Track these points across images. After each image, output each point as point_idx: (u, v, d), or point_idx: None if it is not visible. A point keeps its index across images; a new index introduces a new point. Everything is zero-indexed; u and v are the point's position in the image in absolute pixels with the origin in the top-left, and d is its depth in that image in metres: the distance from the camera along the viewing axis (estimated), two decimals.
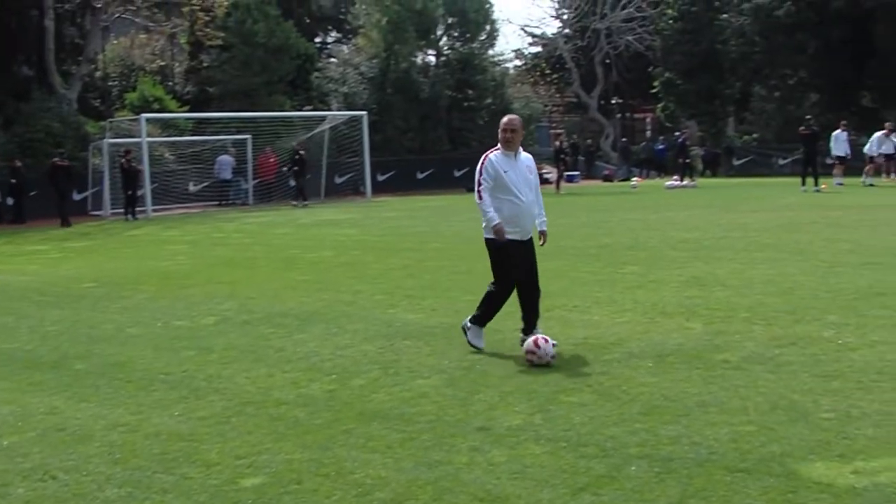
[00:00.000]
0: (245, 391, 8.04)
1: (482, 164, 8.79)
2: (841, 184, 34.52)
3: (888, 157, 36.79)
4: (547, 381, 7.76)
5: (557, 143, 45.61)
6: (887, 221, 19.74)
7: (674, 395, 7.22)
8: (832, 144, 35.90)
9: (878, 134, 36.68)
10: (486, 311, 9.05)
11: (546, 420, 6.77)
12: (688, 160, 43.97)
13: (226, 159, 38.94)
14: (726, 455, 5.81)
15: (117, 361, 9.45)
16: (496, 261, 8.87)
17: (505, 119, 8.91)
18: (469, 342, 9.06)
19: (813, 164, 33.22)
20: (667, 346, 8.80)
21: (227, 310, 12.29)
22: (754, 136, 57.97)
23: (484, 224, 8.83)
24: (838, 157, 35.73)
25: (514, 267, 8.79)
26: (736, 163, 52.97)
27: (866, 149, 36.95)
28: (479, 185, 8.75)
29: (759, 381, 7.43)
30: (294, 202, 37.02)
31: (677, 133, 56.17)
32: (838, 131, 36.08)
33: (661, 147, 54.72)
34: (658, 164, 54.33)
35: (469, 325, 9.13)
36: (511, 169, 8.70)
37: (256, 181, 40.28)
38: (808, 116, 36.78)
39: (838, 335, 8.92)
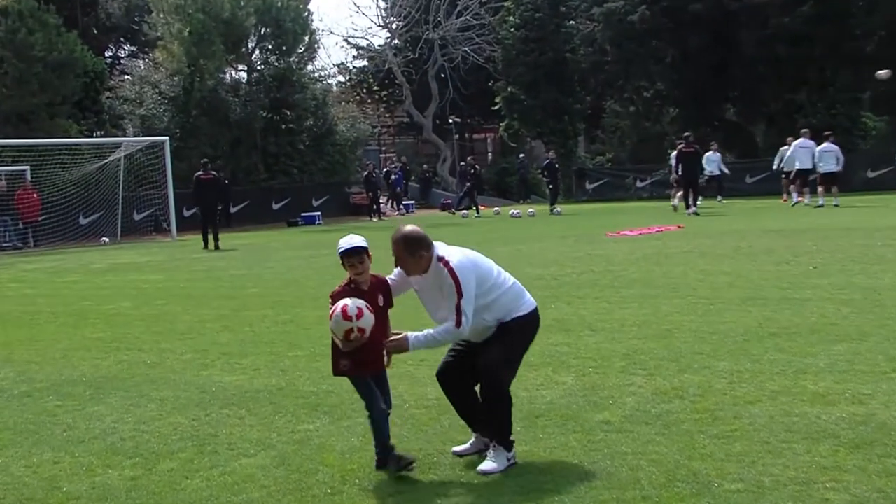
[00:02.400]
0: (24, 484, 7.35)
1: None
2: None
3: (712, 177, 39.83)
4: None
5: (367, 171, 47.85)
6: (766, 249, 20.01)
7: (551, 466, 6.86)
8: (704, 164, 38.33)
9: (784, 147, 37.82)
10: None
11: (401, 503, 6.33)
12: (552, 185, 44.30)
13: None
14: None
15: None
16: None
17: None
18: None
19: (694, 184, 34.85)
20: (536, 405, 8.47)
21: (0, 379, 11.53)
22: (608, 156, 59.05)
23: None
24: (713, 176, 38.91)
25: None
26: (589, 187, 53.62)
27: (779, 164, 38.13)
28: None
29: (649, 446, 7.13)
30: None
31: (522, 154, 56.88)
32: (710, 152, 39.38)
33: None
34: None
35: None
36: (419, 285, 7.36)
37: (26, 221, 39.06)
38: (687, 133, 37.93)
39: (732, 386, 8.71)
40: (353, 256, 7.03)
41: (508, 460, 6.95)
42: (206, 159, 35.99)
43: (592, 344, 11.14)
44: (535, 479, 6.61)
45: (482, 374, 7.06)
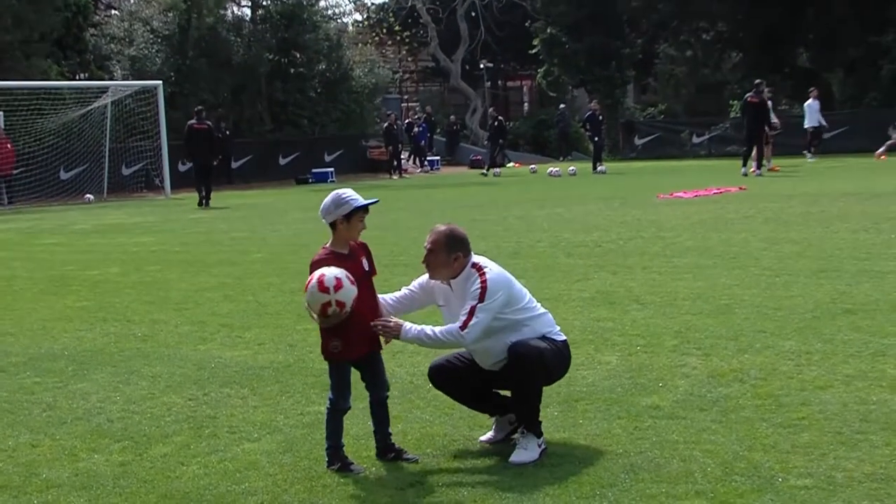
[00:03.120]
0: None
1: None
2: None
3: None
4: (415, 443, 7.41)
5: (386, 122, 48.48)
6: (841, 215, 19.96)
7: (592, 456, 6.90)
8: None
9: None
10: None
11: (421, 496, 6.38)
12: (597, 138, 44.08)
13: None
14: None
15: None
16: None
17: None
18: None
19: (759, 139, 34.60)
20: (576, 388, 8.49)
21: None
22: (660, 107, 58.77)
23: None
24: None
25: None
26: (638, 142, 53.44)
27: None
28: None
29: (703, 435, 7.15)
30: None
31: (563, 105, 56.72)
32: (810, 101, 40.77)
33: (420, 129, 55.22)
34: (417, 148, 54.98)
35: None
36: (444, 300, 7.52)
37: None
38: (759, 80, 37.31)
39: (800, 368, 8.73)
40: (365, 212, 7.04)
41: (539, 446, 6.99)
42: (200, 106, 36.54)
43: (640, 319, 11.16)
44: (574, 470, 6.63)
45: (512, 357, 7.03)
